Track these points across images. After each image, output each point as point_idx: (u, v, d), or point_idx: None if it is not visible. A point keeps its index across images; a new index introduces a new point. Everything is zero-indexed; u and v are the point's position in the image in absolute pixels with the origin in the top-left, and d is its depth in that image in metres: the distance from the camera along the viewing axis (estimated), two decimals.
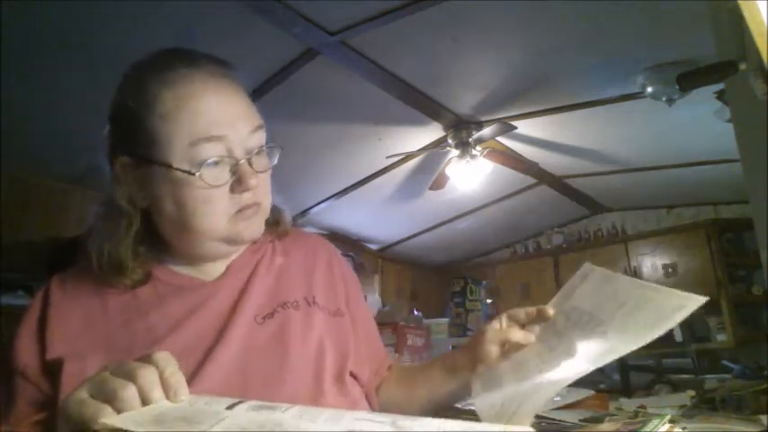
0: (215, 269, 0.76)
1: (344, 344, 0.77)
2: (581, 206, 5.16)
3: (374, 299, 4.34)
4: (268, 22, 2.19)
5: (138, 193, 0.71)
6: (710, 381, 1.95)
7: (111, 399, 0.46)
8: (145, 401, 0.47)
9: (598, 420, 0.97)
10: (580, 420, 1.00)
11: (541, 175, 4.20)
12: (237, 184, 0.69)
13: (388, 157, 3.48)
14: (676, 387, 1.91)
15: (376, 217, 4.73)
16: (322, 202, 4.20)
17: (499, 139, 3.45)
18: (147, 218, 0.73)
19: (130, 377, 0.48)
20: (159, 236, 0.74)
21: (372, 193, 4.15)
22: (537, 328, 0.73)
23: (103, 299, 0.71)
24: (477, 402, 0.65)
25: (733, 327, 4.38)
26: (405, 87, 2.81)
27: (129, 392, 0.47)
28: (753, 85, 0.83)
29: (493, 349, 0.73)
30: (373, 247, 5.43)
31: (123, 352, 0.65)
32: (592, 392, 1.29)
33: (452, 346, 2.73)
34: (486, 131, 3.11)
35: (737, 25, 0.82)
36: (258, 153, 0.71)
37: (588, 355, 0.57)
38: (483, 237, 5.51)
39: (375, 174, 3.84)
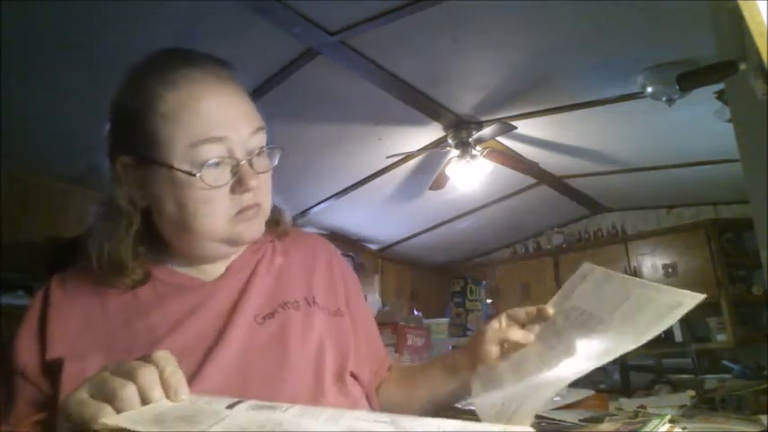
0: (215, 269, 0.76)
1: (345, 344, 0.77)
2: (581, 206, 5.16)
3: (374, 299, 4.33)
4: (268, 22, 2.19)
5: (138, 192, 0.71)
6: (710, 381, 1.95)
7: (111, 398, 0.46)
8: (145, 401, 0.47)
9: (598, 420, 0.97)
10: (580, 420, 1.00)
11: (541, 175, 4.20)
12: (238, 184, 0.69)
13: (388, 157, 3.48)
14: (676, 387, 1.91)
15: (376, 217, 4.72)
16: (322, 202, 4.19)
17: (499, 139, 3.45)
18: (147, 218, 0.73)
19: (130, 377, 0.48)
20: (159, 236, 0.74)
21: (372, 193, 4.15)
22: (537, 328, 0.73)
23: (103, 299, 0.71)
24: (477, 402, 0.65)
25: (733, 327, 4.38)
26: (405, 87, 2.81)
27: (129, 392, 0.47)
28: (753, 85, 0.83)
29: (492, 349, 0.73)
30: (373, 247, 5.43)
31: (123, 352, 0.65)
32: (592, 392, 1.30)
33: (452, 346, 2.73)
34: (486, 131, 3.11)
35: (737, 25, 0.82)
36: (259, 154, 0.71)
37: (588, 353, 0.57)
38: (483, 237, 5.51)
39: (375, 174, 3.84)
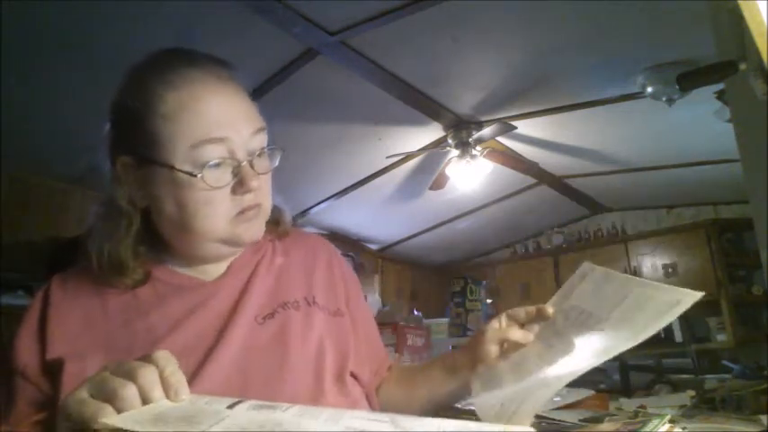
0: (215, 269, 0.76)
1: (345, 344, 0.77)
2: (581, 206, 5.16)
3: (374, 299, 4.33)
4: (268, 22, 2.19)
5: (138, 192, 0.71)
6: (710, 381, 1.95)
7: (111, 398, 0.46)
8: (145, 401, 0.47)
9: (598, 420, 0.97)
10: (580, 420, 1.00)
11: (541, 175, 4.20)
12: (239, 185, 0.69)
13: (388, 157, 3.48)
14: (676, 387, 1.91)
15: (376, 217, 4.72)
16: (322, 202, 4.19)
17: (499, 139, 3.45)
18: (147, 218, 0.73)
19: (130, 377, 0.48)
20: (159, 236, 0.74)
21: (372, 193, 4.15)
22: (536, 328, 0.73)
23: (103, 299, 0.71)
24: (477, 402, 0.65)
25: (733, 327, 4.38)
26: (405, 87, 2.81)
27: (130, 392, 0.47)
28: (753, 85, 0.83)
29: (492, 349, 0.73)
30: (373, 247, 5.43)
31: (123, 352, 0.65)
32: (592, 392, 1.30)
33: (452, 346, 2.73)
34: (486, 131, 3.11)
35: (737, 25, 0.82)
36: (260, 155, 0.72)
37: (587, 352, 0.57)
38: (483, 237, 5.51)
39: (375, 174, 3.84)
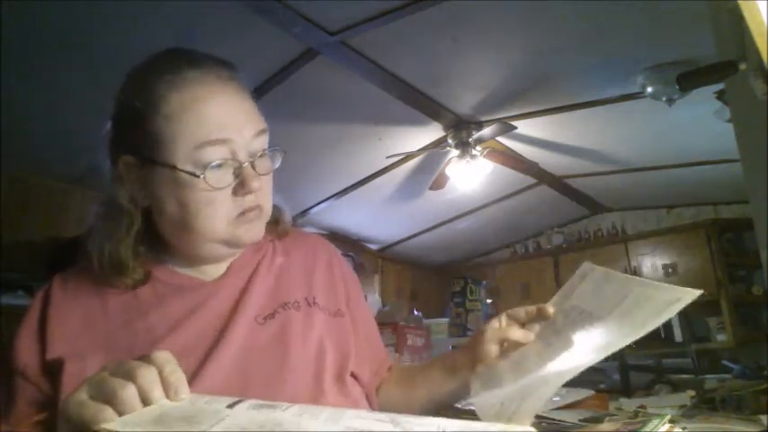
0: (215, 269, 0.76)
1: (345, 344, 0.77)
2: (581, 206, 5.16)
3: (374, 299, 4.34)
4: (268, 22, 2.19)
5: (139, 192, 0.71)
6: (710, 381, 1.95)
7: (110, 399, 0.46)
8: (145, 401, 0.47)
9: (598, 420, 0.97)
10: (580, 420, 1.00)
11: (541, 175, 4.20)
12: (240, 186, 0.69)
13: (388, 157, 3.48)
14: (676, 387, 1.91)
15: (376, 217, 4.73)
16: (322, 202, 4.20)
17: (499, 139, 3.45)
18: (148, 218, 0.73)
19: (130, 377, 0.48)
20: (159, 236, 0.74)
21: (372, 193, 4.15)
22: (537, 327, 0.73)
23: (104, 299, 0.71)
24: (477, 402, 0.65)
25: (733, 327, 4.38)
26: (405, 87, 2.81)
27: (129, 392, 0.47)
28: (753, 85, 0.83)
29: (492, 348, 0.73)
30: (373, 247, 5.43)
31: (123, 352, 0.65)
32: (592, 392, 1.30)
33: (452, 346, 2.74)
34: (486, 131, 3.11)
35: (737, 25, 0.82)
36: (261, 156, 0.72)
37: (586, 349, 0.57)
38: (483, 237, 5.51)
39: (375, 174, 3.84)
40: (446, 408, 0.85)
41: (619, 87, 2.83)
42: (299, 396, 0.67)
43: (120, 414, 0.46)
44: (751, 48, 0.78)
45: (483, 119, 3.25)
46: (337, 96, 2.86)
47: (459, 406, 0.90)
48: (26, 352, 0.68)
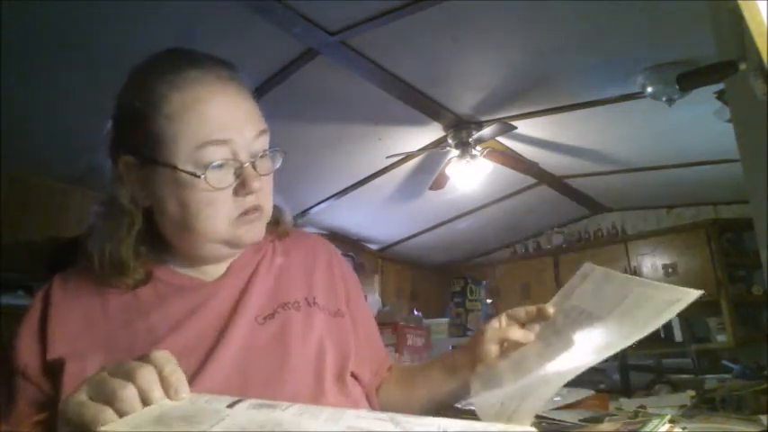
0: (216, 269, 0.76)
1: (345, 344, 0.77)
2: (581, 206, 5.16)
3: (374, 299, 4.33)
4: (268, 22, 2.19)
5: (140, 192, 0.71)
6: (710, 381, 1.95)
7: (110, 400, 0.46)
8: (145, 401, 0.47)
9: (598, 420, 0.97)
10: (580, 420, 1.00)
11: (541, 175, 4.20)
12: (241, 187, 0.69)
13: (388, 157, 3.48)
14: (676, 387, 1.91)
15: (376, 217, 4.73)
16: (322, 202, 4.20)
17: (499, 139, 3.45)
18: (149, 218, 0.73)
19: (129, 377, 0.47)
20: (160, 236, 0.74)
21: (372, 193, 4.15)
22: (537, 327, 0.73)
23: (104, 299, 0.71)
24: (477, 401, 0.65)
25: (733, 327, 4.38)
26: (405, 87, 2.81)
27: (129, 392, 0.46)
28: (753, 85, 0.83)
29: (492, 348, 0.73)
30: (373, 247, 5.43)
31: (124, 352, 0.65)
32: (592, 392, 1.30)
33: (452, 346, 2.74)
34: (486, 131, 3.11)
35: (737, 25, 0.82)
36: (262, 156, 0.72)
37: (586, 349, 0.57)
38: (483, 237, 5.51)
39: (375, 174, 3.84)
40: (446, 408, 0.85)
41: (619, 87, 2.83)
42: (299, 396, 0.67)
43: (121, 414, 0.46)
44: (751, 48, 0.78)
45: (483, 119, 3.25)
46: (337, 96, 2.86)
47: (459, 406, 0.90)
48: (27, 352, 0.68)
